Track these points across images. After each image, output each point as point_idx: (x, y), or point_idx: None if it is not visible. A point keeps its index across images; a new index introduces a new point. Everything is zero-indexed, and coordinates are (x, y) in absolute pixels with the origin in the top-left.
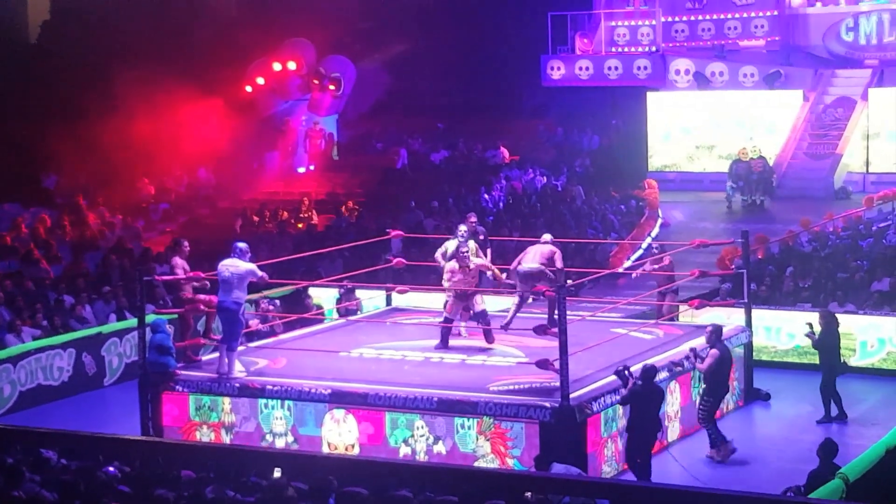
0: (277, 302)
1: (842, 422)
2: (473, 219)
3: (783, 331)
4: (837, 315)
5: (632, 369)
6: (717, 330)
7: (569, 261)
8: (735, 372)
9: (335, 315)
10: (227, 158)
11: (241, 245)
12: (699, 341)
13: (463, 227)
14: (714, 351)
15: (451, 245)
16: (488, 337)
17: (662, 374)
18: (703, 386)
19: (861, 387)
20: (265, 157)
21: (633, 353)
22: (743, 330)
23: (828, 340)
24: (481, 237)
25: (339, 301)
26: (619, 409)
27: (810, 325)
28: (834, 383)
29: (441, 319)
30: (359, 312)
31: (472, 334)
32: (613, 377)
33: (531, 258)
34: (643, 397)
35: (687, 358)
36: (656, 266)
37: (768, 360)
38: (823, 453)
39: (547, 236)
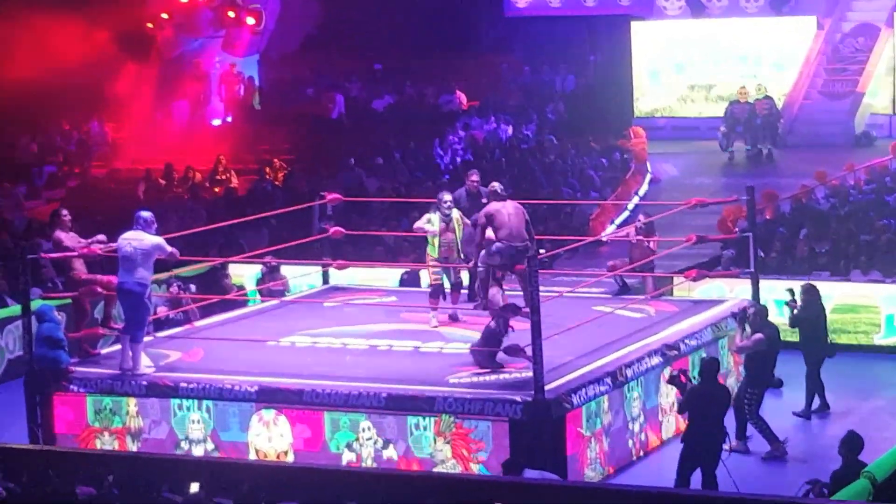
0: (193, 287)
1: (823, 414)
2: (475, 177)
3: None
4: (862, 284)
5: (690, 374)
6: (762, 311)
7: (541, 226)
8: (741, 355)
9: (259, 298)
10: (126, 109)
11: (146, 214)
12: (692, 322)
13: (447, 197)
14: (759, 335)
15: (434, 220)
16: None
17: (654, 360)
18: (744, 374)
19: (888, 368)
20: (172, 108)
21: (620, 336)
22: (749, 305)
23: (809, 318)
24: (484, 200)
25: (260, 280)
26: (605, 403)
27: (791, 291)
28: (818, 369)
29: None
30: (286, 294)
31: (443, 324)
32: (596, 365)
33: (518, 224)
34: (704, 399)
35: (671, 349)
36: (643, 242)
37: (781, 341)
38: (846, 449)
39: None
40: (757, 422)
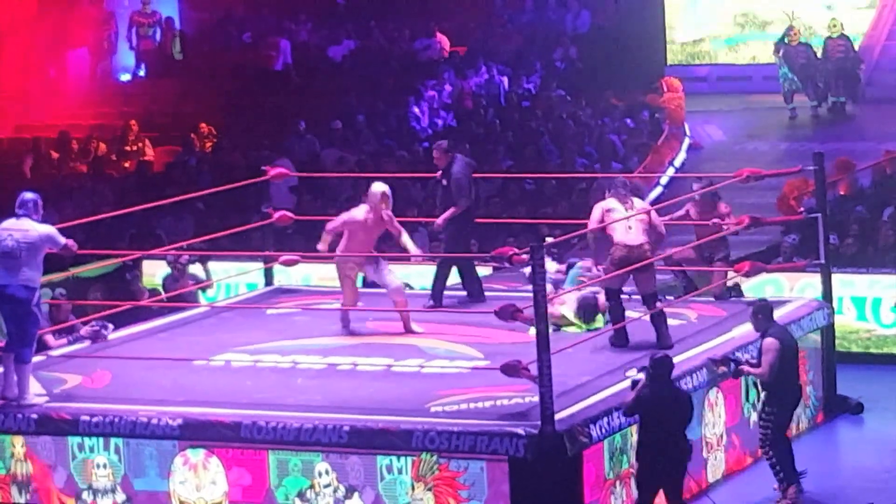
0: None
1: None
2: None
3: (883, 306)
4: None
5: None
6: (763, 309)
7: (549, 207)
8: (808, 370)
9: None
10: (7, 59)
11: (31, 197)
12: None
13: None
14: (770, 340)
15: None
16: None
17: (697, 379)
18: (763, 393)
19: None
20: (67, 58)
21: (654, 348)
22: (819, 307)
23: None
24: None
25: (168, 281)
26: (633, 436)
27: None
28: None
29: None
30: (201, 297)
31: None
32: (621, 386)
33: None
34: (656, 405)
35: (720, 365)
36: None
37: (860, 352)
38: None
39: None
40: (769, 451)
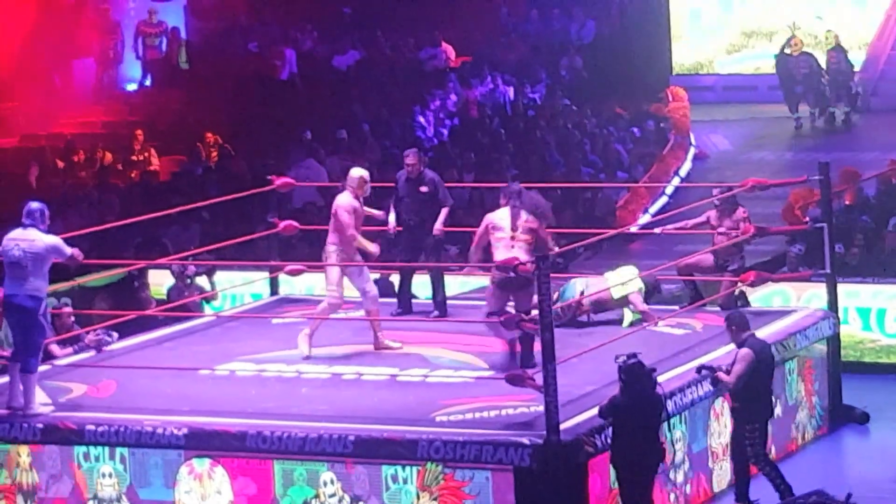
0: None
1: None
2: (412, 160)
3: (889, 315)
4: None
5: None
6: (737, 320)
7: (554, 216)
8: (814, 380)
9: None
10: (13, 69)
11: (37, 206)
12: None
13: None
14: (745, 351)
15: None
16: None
17: (702, 389)
18: (736, 405)
19: None
20: (73, 68)
21: (657, 358)
22: (825, 317)
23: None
24: (424, 189)
25: (174, 292)
26: None
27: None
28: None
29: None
30: (205, 307)
31: (439, 340)
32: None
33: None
34: (630, 414)
35: (700, 378)
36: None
37: (867, 362)
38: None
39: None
40: (764, 466)
